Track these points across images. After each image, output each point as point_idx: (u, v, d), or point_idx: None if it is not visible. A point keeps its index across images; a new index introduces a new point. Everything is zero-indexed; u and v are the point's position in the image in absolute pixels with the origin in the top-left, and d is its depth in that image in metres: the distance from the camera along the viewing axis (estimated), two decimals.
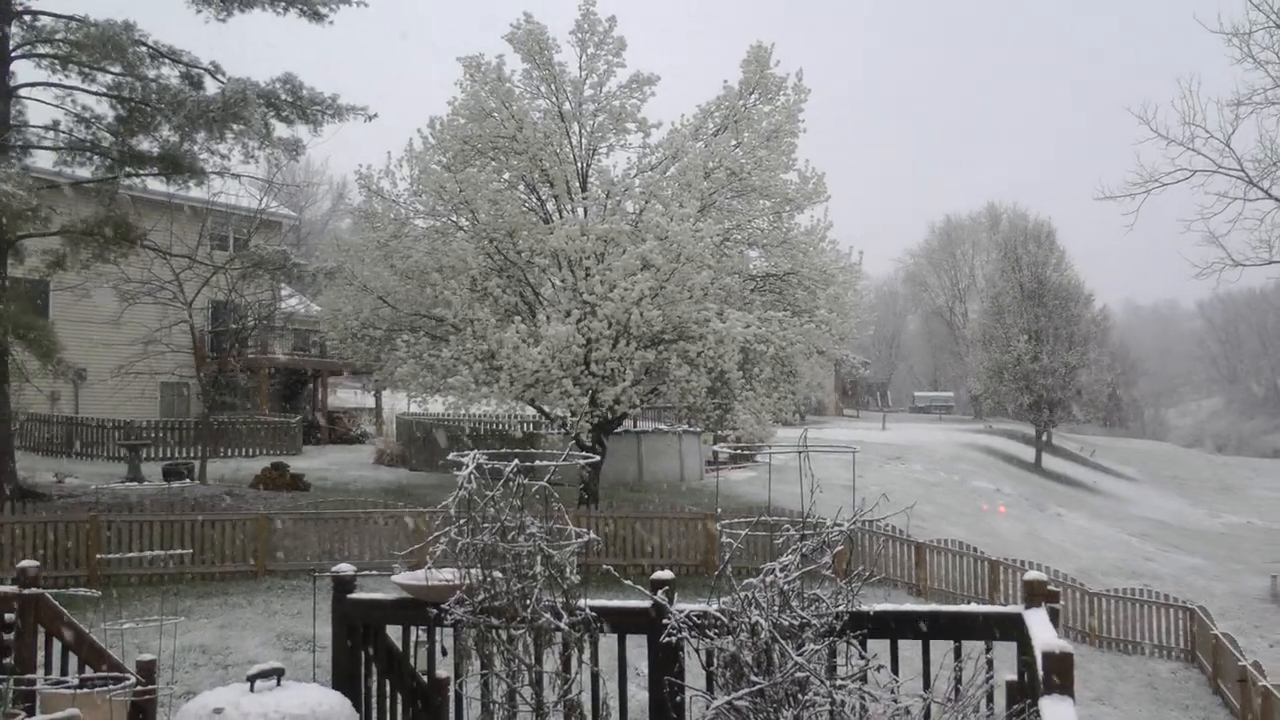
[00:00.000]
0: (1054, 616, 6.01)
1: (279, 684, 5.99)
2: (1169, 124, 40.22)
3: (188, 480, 31.21)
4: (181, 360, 33.97)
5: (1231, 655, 22.64)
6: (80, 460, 36.00)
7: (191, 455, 34.86)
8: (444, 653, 6.60)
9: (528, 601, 5.93)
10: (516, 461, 6.17)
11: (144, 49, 25.13)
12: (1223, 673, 23.48)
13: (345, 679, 6.72)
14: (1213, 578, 39.49)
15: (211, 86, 26.13)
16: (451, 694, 6.80)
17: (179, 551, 22.31)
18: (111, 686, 7.06)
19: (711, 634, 5.87)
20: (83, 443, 37.29)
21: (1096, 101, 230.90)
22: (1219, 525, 57.27)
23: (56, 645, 7.93)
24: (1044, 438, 69.54)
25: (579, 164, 30.34)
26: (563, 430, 29.96)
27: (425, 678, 7.10)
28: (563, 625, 6.00)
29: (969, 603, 25.45)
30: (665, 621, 6.04)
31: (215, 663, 16.23)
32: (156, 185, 30.30)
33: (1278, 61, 41.27)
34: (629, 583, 6.69)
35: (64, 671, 7.86)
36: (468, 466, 6.10)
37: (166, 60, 25.94)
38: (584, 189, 30.06)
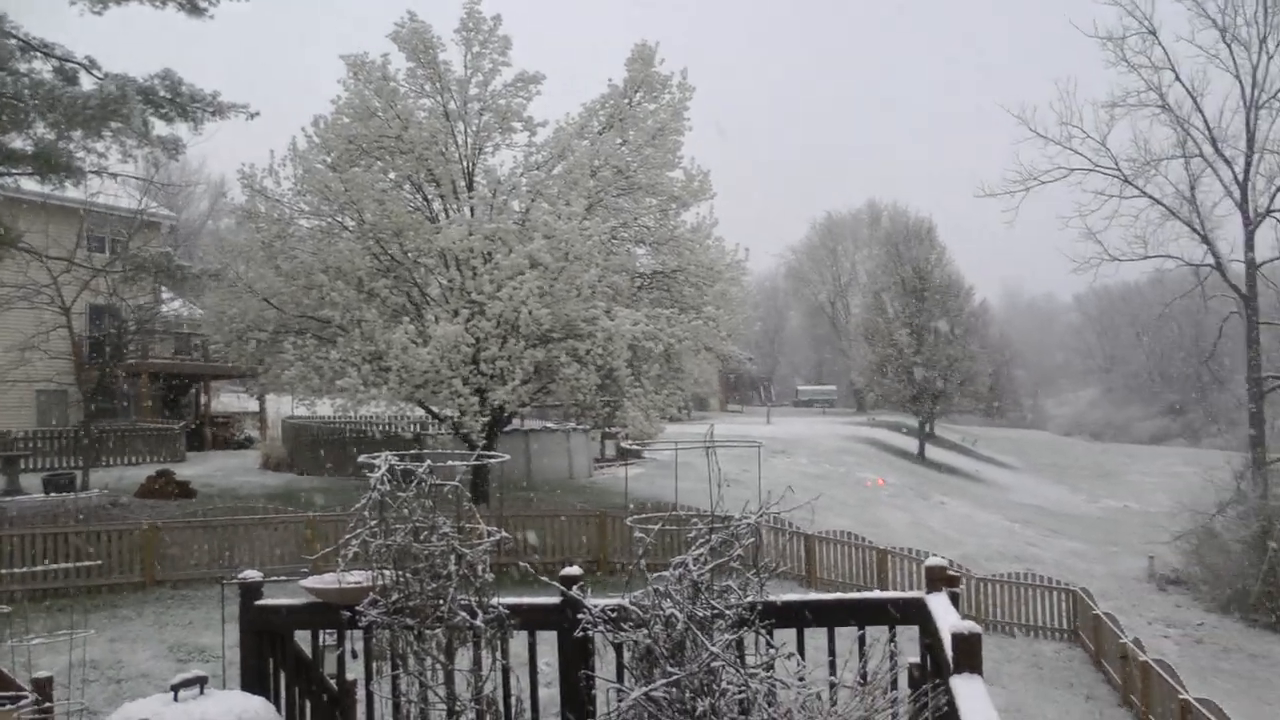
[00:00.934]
0: (955, 600, 6.15)
1: (202, 692, 5.92)
2: (1047, 124, 41.27)
3: (93, 492, 30.46)
4: (60, 367, 33.29)
5: (1112, 634, 23.34)
6: None
7: (73, 465, 34.07)
8: (354, 655, 6.57)
9: (442, 601, 5.92)
10: (429, 463, 6.16)
11: (14, 41, 24.48)
12: (1104, 651, 24.16)
13: (255, 687, 6.65)
14: (1092, 560, 40.42)
15: (88, 82, 25.45)
16: (363, 696, 6.77)
17: (86, 564, 21.88)
18: (9, 706, 6.93)
19: (626, 627, 5.90)
20: None
21: (976, 100, 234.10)
22: (1097, 510, 58.66)
23: None
24: (926, 429, 70.53)
25: (465, 163, 30.22)
26: (452, 431, 29.82)
27: (334, 682, 7.05)
28: (477, 623, 6.00)
29: (859, 591, 25.81)
30: (579, 616, 6.07)
31: (107, 677, 15.93)
32: (31, 185, 29.55)
33: (1150, 66, 42.43)
34: (545, 579, 6.70)
35: None
36: (380, 468, 6.06)
37: (39, 54, 25.22)
38: (470, 188, 29.96)
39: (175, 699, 5.78)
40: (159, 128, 26.63)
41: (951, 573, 6.62)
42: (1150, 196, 43.78)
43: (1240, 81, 42.41)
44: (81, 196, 32.12)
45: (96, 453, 34.87)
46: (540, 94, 30.29)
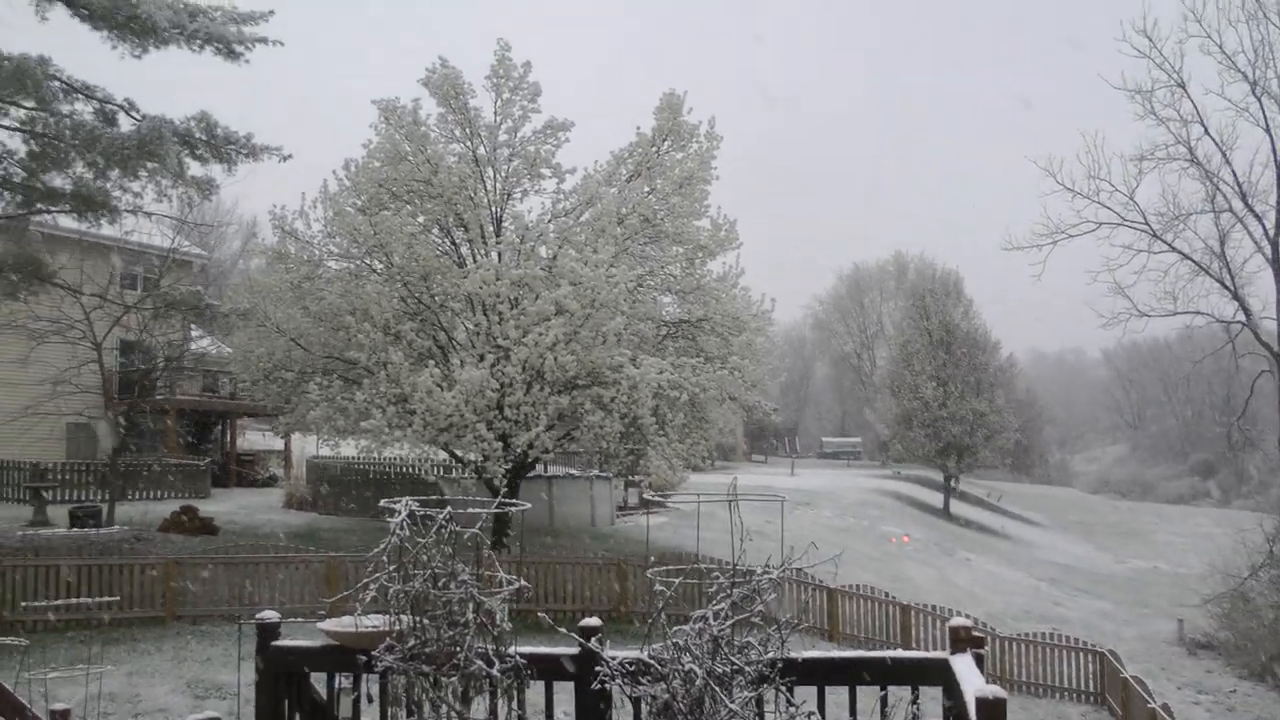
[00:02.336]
0: (979, 662, 6.07)
1: None
2: (1075, 177, 41.05)
3: (118, 526, 30.64)
4: (90, 401, 33.51)
5: (1141, 698, 22.87)
6: None
7: (99, 498, 34.28)
8: (369, 700, 6.59)
9: (459, 648, 5.95)
10: (449, 509, 6.20)
11: (58, 84, 24.83)
12: (1132, 715, 23.71)
13: None
14: (1121, 622, 40.03)
15: (125, 123, 25.76)
16: None
17: (107, 599, 22.07)
18: None
19: (644, 681, 5.89)
20: None
21: (1004, 153, 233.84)
22: (1126, 570, 58.18)
23: None
24: (952, 483, 70.19)
25: (493, 208, 30.37)
26: (475, 475, 29.88)
27: None
28: (494, 672, 6.03)
29: (882, 648, 25.68)
30: (597, 669, 6.06)
31: (125, 711, 15.96)
32: (68, 222, 29.90)
33: (1178, 119, 42.28)
34: (563, 630, 6.72)
35: None
36: (400, 513, 6.11)
37: (80, 96, 25.56)
38: (498, 234, 30.08)
39: None
40: (194, 168, 26.89)
41: (976, 633, 6.53)
42: (1179, 252, 43.49)
43: (1270, 135, 42.13)
44: (116, 234, 32.48)
45: (123, 487, 35.02)
46: (569, 141, 30.46)
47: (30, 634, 20.13)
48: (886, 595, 28.31)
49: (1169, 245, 43.65)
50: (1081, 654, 27.47)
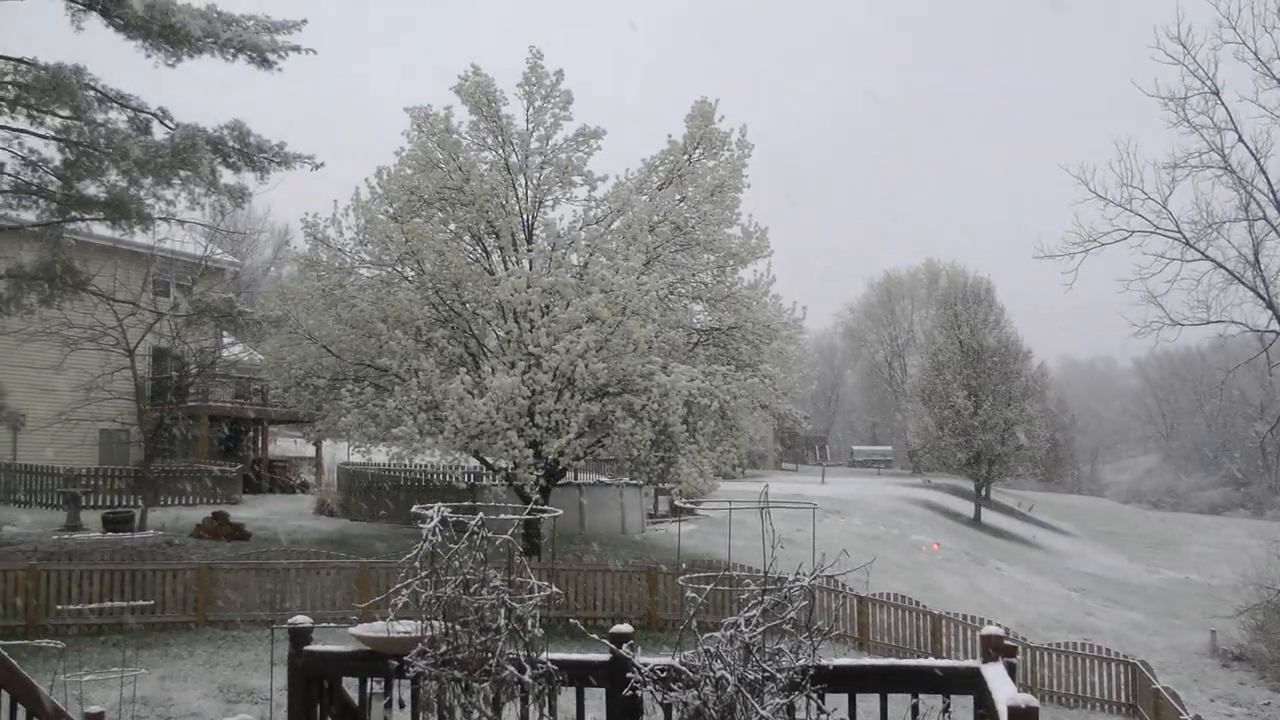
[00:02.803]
0: (1011, 671, 6.04)
1: None
2: (1107, 185, 40.65)
3: (150, 531, 30.83)
4: (123, 407, 33.70)
5: (1173, 709, 22.66)
6: (19, 508, 35.57)
7: (132, 503, 34.49)
8: (401, 705, 6.61)
9: (491, 654, 5.96)
10: (481, 515, 6.21)
11: (93, 93, 25.00)
12: None
13: None
14: (1152, 633, 39.80)
15: (159, 132, 25.97)
16: None
17: (140, 603, 22.24)
18: None
19: (675, 687, 5.88)
20: (21, 490, 36.92)
21: (1036, 160, 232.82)
22: (1157, 580, 57.81)
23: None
24: (983, 493, 69.91)
25: (525, 216, 30.39)
26: (506, 482, 29.90)
27: None
28: (525, 678, 6.03)
29: (912, 656, 25.58)
30: (628, 675, 6.06)
31: (158, 714, 16.06)
32: (102, 230, 30.11)
33: (1212, 126, 41.86)
34: (595, 637, 6.72)
35: None
36: (432, 519, 6.12)
37: (115, 104, 25.78)
38: (530, 241, 30.13)
39: None
40: (226, 176, 27.10)
41: (1008, 642, 6.49)
42: (1212, 260, 43.06)
43: None
44: (149, 242, 32.72)
45: (155, 492, 35.23)
46: (600, 149, 30.44)
47: (65, 637, 20.25)
48: (917, 604, 28.20)
49: (1202, 254, 43.22)
50: (1113, 664, 27.28)
